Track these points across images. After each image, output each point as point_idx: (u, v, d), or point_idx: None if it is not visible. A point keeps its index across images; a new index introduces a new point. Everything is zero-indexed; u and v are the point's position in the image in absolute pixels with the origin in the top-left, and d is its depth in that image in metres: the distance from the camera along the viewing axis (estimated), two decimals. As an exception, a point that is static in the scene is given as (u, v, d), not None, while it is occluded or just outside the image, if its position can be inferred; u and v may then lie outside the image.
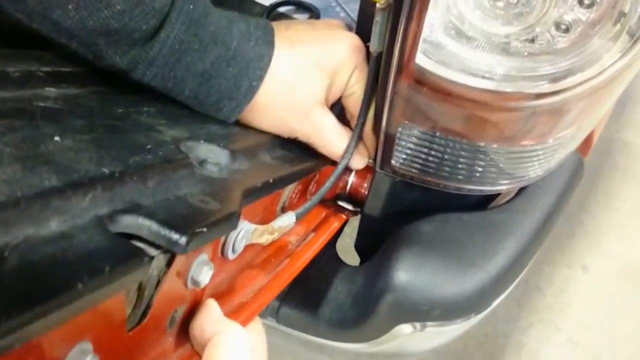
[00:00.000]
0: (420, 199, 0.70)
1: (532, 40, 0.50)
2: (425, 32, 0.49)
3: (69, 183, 0.35)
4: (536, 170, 0.65)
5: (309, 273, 0.65)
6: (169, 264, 0.38)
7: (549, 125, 0.57)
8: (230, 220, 0.41)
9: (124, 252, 0.33)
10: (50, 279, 0.28)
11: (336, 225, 0.71)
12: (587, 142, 0.74)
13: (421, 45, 0.51)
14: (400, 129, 0.60)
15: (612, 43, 0.48)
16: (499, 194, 0.75)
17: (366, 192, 0.71)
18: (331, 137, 0.63)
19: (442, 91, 0.54)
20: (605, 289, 1.65)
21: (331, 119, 0.63)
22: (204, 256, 0.43)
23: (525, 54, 0.50)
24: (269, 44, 0.58)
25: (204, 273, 0.42)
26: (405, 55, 0.52)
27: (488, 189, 0.65)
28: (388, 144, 0.62)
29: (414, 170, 0.64)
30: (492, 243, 0.66)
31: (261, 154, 0.57)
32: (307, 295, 0.72)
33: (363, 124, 0.64)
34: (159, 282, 0.38)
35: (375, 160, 0.67)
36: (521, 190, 0.70)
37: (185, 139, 0.49)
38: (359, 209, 0.75)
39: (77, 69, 0.57)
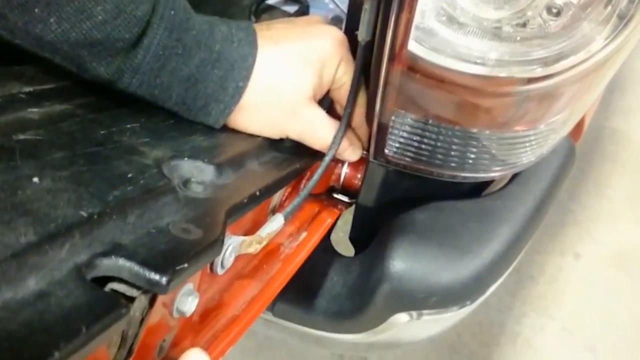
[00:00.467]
0: (414, 187, 0.70)
1: (524, 25, 0.50)
2: (417, 18, 0.49)
3: (46, 235, 0.35)
4: (529, 156, 0.66)
5: (304, 265, 0.66)
6: (151, 302, 0.38)
7: (541, 110, 0.58)
8: (213, 248, 0.41)
9: (103, 306, 0.33)
10: (27, 349, 0.28)
11: (329, 221, 0.71)
12: (578, 127, 0.74)
13: (413, 32, 0.51)
14: (393, 118, 0.60)
15: (603, 26, 0.49)
16: (492, 181, 0.76)
17: (360, 183, 0.71)
18: (323, 132, 0.63)
19: (435, 78, 0.54)
20: (597, 276, 1.66)
21: (321, 114, 0.63)
22: (189, 286, 0.42)
23: (517, 38, 0.50)
24: (252, 44, 0.58)
25: (189, 303, 0.42)
26: (397, 43, 0.52)
27: (481, 175, 0.65)
28: (381, 133, 0.62)
29: (407, 159, 0.64)
30: (487, 230, 0.66)
31: (249, 162, 0.57)
32: (303, 287, 0.72)
33: (351, 114, 0.64)
34: (142, 321, 0.38)
35: (368, 150, 0.67)
36: (514, 176, 0.71)
37: (168, 159, 0.49)
38: (353, 201, 0.75)
39: (60, 84, 0.56)
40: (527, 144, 0.63)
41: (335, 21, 0.81)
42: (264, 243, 0.53)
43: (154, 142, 0.52)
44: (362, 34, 0.56)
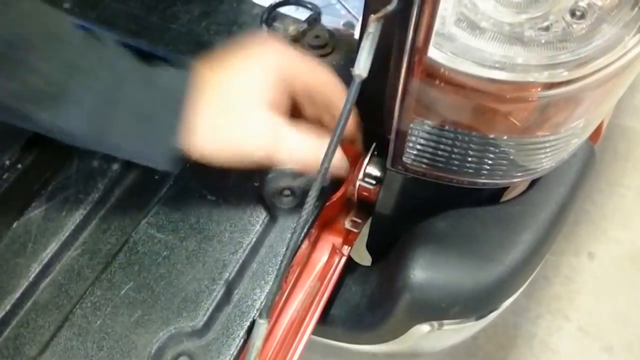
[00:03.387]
0: (433, 195, 0.69)
1: (547, 29, 0.49)
2: (437, 24, 0.48)
3: None
4: (550, 161, 0.64)
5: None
6: None
7: (563, 115, 0.56)
8: None
9: None
10: None
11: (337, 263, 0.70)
12: (597, 129, 0.73)
13: (434, 39, 0.49)
14: (411, 125, 0.59)
15: (630, 28, 0.47)
16: (508, 187, 0.74)
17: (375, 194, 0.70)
18: (300, 146, 0.58)
19: (455, 84, 0.53)
20: (612, 275, 1.64)
21: (291, 125, 0.58)
22: None
23: (540, 42, 0.49)
24: (187, 68, 0.55)
25: None
26: (416, 50, 0.51)
27: (501, 182, 0.64)
28: (399, 141, 0.60)
29: (426, 166, 0.63)
30: (509, 236, 0.65)
31: None
32: (321, 297, 0.71)
33: (331, 158, 0.54)
34: None
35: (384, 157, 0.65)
36: (534, 181, 0.69)
37: None
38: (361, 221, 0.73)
39: None
40: (548, 149, 0.62)
41: (347, 27, 0.80)
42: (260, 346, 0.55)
43: None
44: (359, 69, 0.51)
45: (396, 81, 0.54)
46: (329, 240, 0.71)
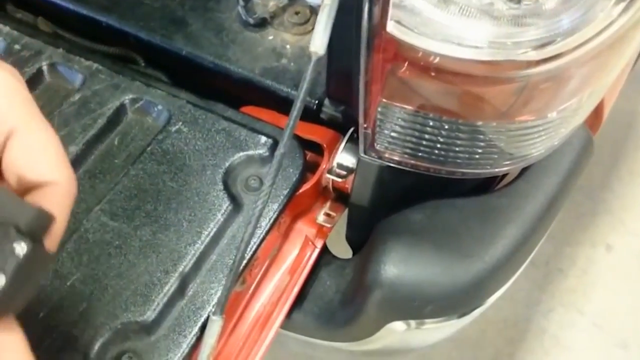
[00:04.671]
0: (412, 185, 0.64)
1: (518, 1, 0.43)
2: (394, -5, 0.43)
3: None
4: (537, 148, 0.59)
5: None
6: None
7: (546, 97, 0.51)
8: None
9: None
10: None
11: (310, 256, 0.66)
12: (596, 115, 0.67)
13: (392, 12, 0.44)
14: (379, 109, 0.54)
15: (610, -2, 0.42)
16: (501, 177, 0.69)
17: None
18: None
19: (420, 64, 0.48)
20: (630, 269, 1.57)
21: None
22: None
23: (511, 17, 0.43)
24: None
25: None
26: (374, 24, 0.46)
27: (484, 171, 0.59)
28: (369, 126, 0.56)
29: (400, 154, 0.58)
30: (491, 231, 0.60)
31: None
32: (294, 291, 0.66)
33: (287, 143, 0.50)
34: None
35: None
36: (523, 171, 0.64)
37: None
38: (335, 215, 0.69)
39: None
40: (535, 135, 0.57)
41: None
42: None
43: None
44: (315, 45, 0.47)
45: (357, 60, 0.49)
46: (302, 232, 0.67)
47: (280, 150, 0.51)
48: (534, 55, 0.44)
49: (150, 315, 0.54)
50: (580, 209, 1.63)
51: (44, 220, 0.35)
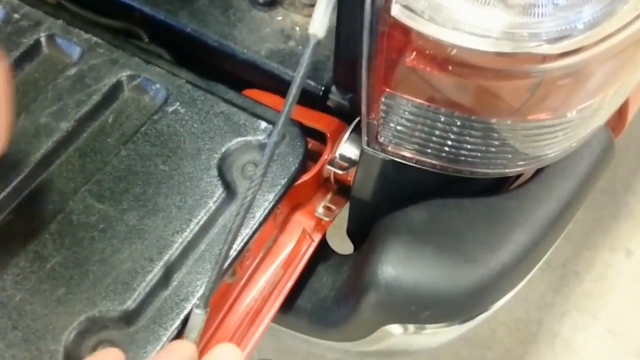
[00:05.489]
0: (418, 180, 0.60)
1: (536, -12, 0.39)
2: (400, -24, 0.39)
3: None
4: (554, 149, 0.55)
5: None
6: None
7: (564, 96, 0.47)
8: None
9: None
10: None
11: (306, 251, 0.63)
12: (620, 117, 0.63)
13: (397, -6, 0.41)
14: (383, 100, 0.50)
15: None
16: (515, 179, 0.65)
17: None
18: None
19: (427, 53, 0.44)
20: (650, 276, 1.52)
21: None
22: None
23: (527, 6, 0.39)
24: None
25: None
26: (378, 7, 0.42)
27: (495, 171, 0.55)
28: (371, 117, 0.52)
29: (404, 148, 0.54)
30: (497, 234, 0.56)
31: None
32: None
33: (281, 131, 0.47)
34: None
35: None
36: (537, 173, 0.60)
37: None
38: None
39: None
40: (551, 135, 0.53)
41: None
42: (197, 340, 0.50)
43: None
44: (314, 27, 0.44)
45: (360, 45, 0.46)
46: (300, 224, 0.64)
47: (274, 137, 0.47)
48: (549, 49, 0.40)
49: (130, 304, 0.52)
50: (601, 212, 1.58)
51: None
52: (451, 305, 0.55)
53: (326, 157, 0.62)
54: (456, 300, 0.54)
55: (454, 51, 0.43)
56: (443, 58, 0.44)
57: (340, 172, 0.60)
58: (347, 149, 0.62)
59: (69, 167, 0.59)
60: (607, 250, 1.56)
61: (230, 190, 0.58)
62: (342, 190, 0.65)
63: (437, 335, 0.63)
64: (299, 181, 0.61)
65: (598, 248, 1.56)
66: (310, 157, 0.62)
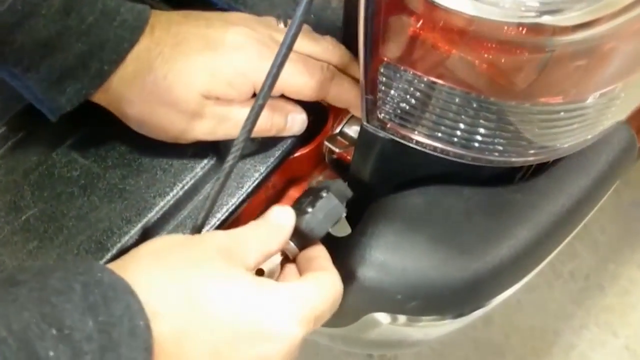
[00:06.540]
0: (419, 163, 0.56)
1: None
2: None
3: None
4: (567, 139, 0.51)
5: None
6: None
7: (576, 77, 0.43)
8: None
9: None
10: None
11: None
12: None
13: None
14: (382, 70, 0.47)
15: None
16: (526, 171, 0.61)
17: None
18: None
19: (430, 20, 0.41)
20: (677, 296, 1.45)
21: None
22: None
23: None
24: (136, 30, 0.50)
25: None
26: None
27: (498, 159, 0.51)
28: (369, 89, 0.49)
29: (404, 127, 0.51)
30: (497, 228, 0.52)
31: None
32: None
33: (267, 94, 0.46)
34: None
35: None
36: (547, 168, 0.56)
37: None
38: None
39: None
40: (563, 123, 0.48)
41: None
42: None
43: None
44: None
45: (357, 9, 0.42)
46: (294, 200, 0.61)
47: (259, 100, 0.44)
48: (559, 20, 0.36)
49: None
50: (632, 226, 1.52)
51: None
52: (441, 297, 0.51)
53: (325, 130, 0.59)
54: (446, 292, 0.51)
55: (456, 18, 0.40)
56: (446, 26, 0.41)
57: (337, 150, 0.57)
58: (350, 127, 0.59)
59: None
60: (633, 265, 1.50)
61: (220, 157, 0.56)
62: (340, 167, 0.62)
63: (430, 328, 0.60)
64: (296, 155, 0.58)
65: (625, 263, 1.50)
66: (310, 132, 0.59)
